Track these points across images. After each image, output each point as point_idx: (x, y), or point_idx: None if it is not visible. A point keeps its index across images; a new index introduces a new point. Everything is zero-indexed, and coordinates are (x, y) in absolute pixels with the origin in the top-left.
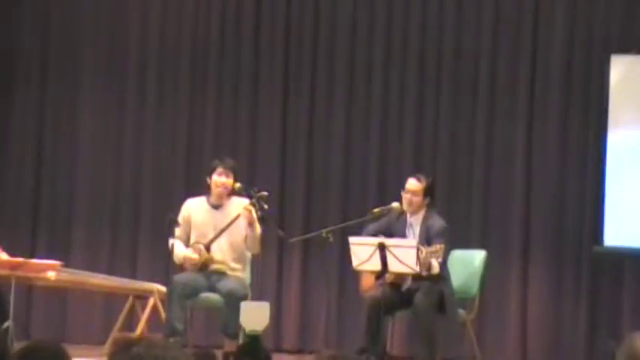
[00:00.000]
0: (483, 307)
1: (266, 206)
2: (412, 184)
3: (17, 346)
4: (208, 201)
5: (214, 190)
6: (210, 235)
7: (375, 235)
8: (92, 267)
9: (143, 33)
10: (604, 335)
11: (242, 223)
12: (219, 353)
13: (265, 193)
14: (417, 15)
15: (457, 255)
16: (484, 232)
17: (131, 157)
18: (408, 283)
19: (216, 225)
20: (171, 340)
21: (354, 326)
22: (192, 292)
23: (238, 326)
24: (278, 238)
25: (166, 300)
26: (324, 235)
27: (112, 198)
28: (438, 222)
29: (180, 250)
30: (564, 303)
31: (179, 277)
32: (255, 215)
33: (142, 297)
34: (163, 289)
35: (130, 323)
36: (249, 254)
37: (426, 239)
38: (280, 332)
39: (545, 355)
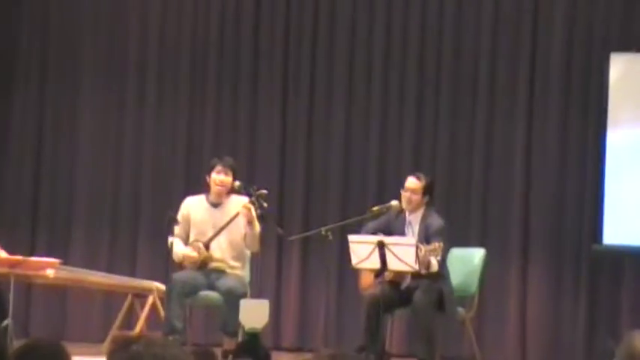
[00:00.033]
0: (482, 306)
1: (265, 204)
2: (412, 182)
3: (16, 344)
4: (208, 199)
5: (213, 189)
6: (210, 234)
7: (374, 233)
8: (91, 267)
9: (143, 33)
10: (603, 333)
11: (241, 221)
12: (218, 351)
13: (265, 192)
14: (416, 15)
15: (456, 253)
16: (483, 232)
17: (131, 157)
18: (407, 282)
19: (215, 223)
20: (171, 338)
21: (353, 324)
22: (192, 291)
23: (237, 324)
24: (277, 237)
25: (165, 298)
26: (323, 233)
27: (112, 198)
28: (436, 220)
29: (179, 249)
30: (563, 301)
31: (178, 276)
32: (254, 213)
33: (141, 295)
34: (162, 287)
35: (129, 321)
36: (248, 252)
37: (425, 237)
38: (279, 330)
39: (544, 352)
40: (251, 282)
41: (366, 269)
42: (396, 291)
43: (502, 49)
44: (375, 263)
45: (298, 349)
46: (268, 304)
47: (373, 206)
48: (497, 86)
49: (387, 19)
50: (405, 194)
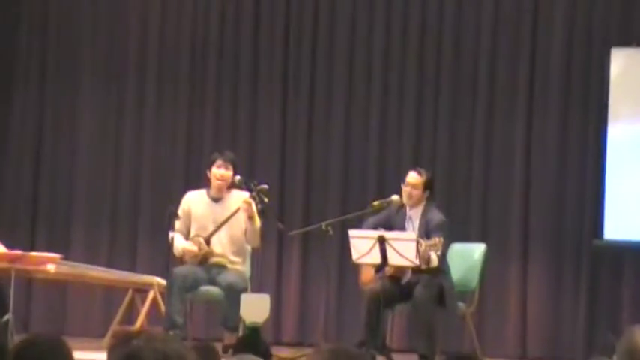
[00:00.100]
0: (483, 300)
1: (266, 199)
2: (412, 177)
3: (17, 338)
4: (208, 194)
5: (214, 183)
6: (210, 228)
7: (374, 228)
8: (91, 264)
9: (142, 33)
10: (603, 328)
11: (242, 216)
12: (219, 346)
13: (265, 187)
14: (416, 15)
15: (457, 248)
16: (484, 227)
17: (130, 156)
18: (407, 276)
19: (216, 218)
20: (171, 333)
21: (353, 319)
22: (192, 285)
23: (238, 319)
24: (278, 231)
25: (166, 293)
26: (323, 228)
27: (111, 198)
28: (437, 215)
29: (180, 243)
30: (564, 296)
31: (179, 270)
32: (254, 208)
33: (141, 290)
34: (163, 282)
35: (130, 316)
36: (248, 247)
37: (425, 232)
38: (280, 325)
39: (544, 346)
40: (251, 277)
41: (366, 264)
42: (397, 286)
43: (502, 48)
44: (376, 258)
45: (298, 344)
46: (269, 298)
47: (374, 201)
48: (497, 86)
49: (386, 19)
50: (405, 189)
